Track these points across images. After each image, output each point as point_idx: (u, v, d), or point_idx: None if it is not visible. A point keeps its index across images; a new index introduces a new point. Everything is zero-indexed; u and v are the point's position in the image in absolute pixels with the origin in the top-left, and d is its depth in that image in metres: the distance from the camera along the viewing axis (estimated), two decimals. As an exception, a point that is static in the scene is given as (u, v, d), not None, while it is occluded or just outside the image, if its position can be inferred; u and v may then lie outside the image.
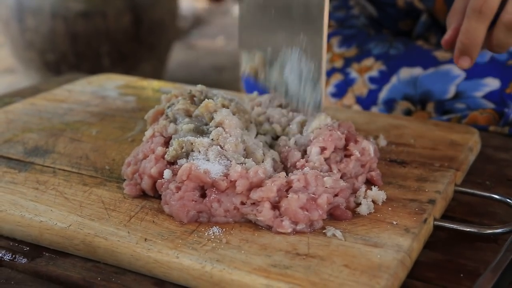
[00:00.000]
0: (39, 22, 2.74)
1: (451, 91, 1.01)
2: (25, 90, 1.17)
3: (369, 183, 0.73)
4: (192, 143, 0.70)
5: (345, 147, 0.73)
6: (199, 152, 0.70)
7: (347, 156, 0.72)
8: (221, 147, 0.70)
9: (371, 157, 0.73)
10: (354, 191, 0.70)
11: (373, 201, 0.68)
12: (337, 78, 1.12)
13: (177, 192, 0.66)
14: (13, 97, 1.11)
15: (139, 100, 1.05)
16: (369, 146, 0.73)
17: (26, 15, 2.76)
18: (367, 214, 0.67)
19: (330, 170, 0.71)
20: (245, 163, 0.68)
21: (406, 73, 1.06)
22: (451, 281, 0.60)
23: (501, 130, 0.95)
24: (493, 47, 0.80)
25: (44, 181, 0.75)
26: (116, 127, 0.93)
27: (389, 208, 0.67)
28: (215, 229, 0.64)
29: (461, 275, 0.61)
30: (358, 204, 0.68)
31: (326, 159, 0.71)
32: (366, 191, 0.70)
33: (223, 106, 0.76)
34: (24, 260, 0.65)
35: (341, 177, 0.70)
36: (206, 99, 0.76)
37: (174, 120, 0.76)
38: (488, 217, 0.71)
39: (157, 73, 3.13)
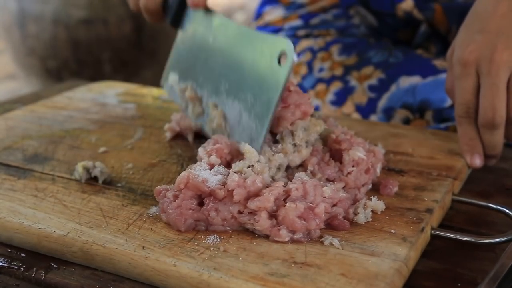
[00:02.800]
0: (40, 28, 2.74)
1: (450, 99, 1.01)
2: (26, 97, 1.17)
3: (371, 191, 0.74)
4: None
5: (340, 160, 0.73)
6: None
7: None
8: None
9: (366, 160, 0.73)
10: (355, 202, 0.70)
11: (372, 211, 0.69)
12: (336, 86, 1.12)
13: (175, 201, 0.66)
14: (14, 103, 1.11)
15: (139, 107, 1.06)
16: (357, 154, 0.73)
17: (28, 21, 2.76)
18: (365, 222, 0.67)
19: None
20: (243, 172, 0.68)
21: (405, 81, 1.06)
22: (448, 290, 0.60)
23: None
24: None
25: (43, 188, 0.75)
26: (115, 134, 0.93)
27: (387, 217, 0.67)
28: (213, 237, 0.64)
29: (459, 284, 0.61)
30: (357, 213, 0.68)
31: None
32: (366, 201, 0.70)
33: None
34: (22, 268, 0.65)
35: (343, 187, 0.71)
36: None
37: None
38: (486, 226, 0.71)
39: (158, 80, 3.11)
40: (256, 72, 0.75)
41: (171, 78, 0.90)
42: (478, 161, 0.80)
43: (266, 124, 0.72)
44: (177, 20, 0.90)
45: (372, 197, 0.70)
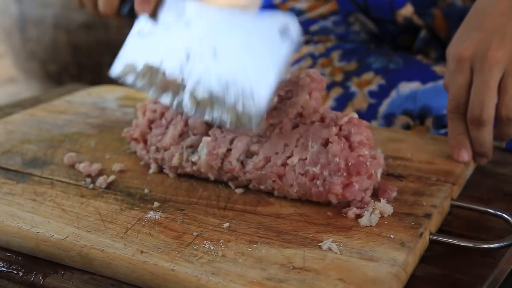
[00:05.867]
0: (41, 32, 2.75)
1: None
2: (26, 100, 1.17)
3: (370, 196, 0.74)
4: None
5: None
6: None
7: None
8: None
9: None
10: (363, 205, 0.70)
11: (381, 214, 0.69)
12: (337, 92, 1.12)
13: None
14: (13, 107, 1.11)
15: (139, 112, 1.05)
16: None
17: (29, 25, 2.77)
18: (365, 226, 0.67)
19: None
20: None
21: (405, 87, 1.06)
22: (447, 295, 0.60)
23: (499, 144, 0.95)
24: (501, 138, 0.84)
25: (41, 193, 0.75)
26: (114, 138, 0.93)
27: (385, 222, 0.67)
28: (211, 242, 0.64)
29: (457, 290, 0.61)
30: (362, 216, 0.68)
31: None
32: (374, 203, 0.70)
33: None
34: (21, 272, 0.65)
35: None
36: None
37: None
38: (485, 231, 0.71)
39: (159, 84, 3.13)
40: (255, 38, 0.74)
41: (127, 66, 0.85)
42: (465, 156, 0.81)
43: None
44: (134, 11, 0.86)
45: (381, 199, 0.70)
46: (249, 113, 0.70)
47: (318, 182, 0.69)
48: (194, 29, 0.79)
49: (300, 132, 0.73)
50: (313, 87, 0.77)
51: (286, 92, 0.78)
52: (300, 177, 0.70)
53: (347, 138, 0.71)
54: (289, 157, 0.72)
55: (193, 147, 0.78)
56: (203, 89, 0.75)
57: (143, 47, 0.84)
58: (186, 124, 0.80)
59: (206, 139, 0.76)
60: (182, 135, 0.80)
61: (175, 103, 0.78)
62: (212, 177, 0.77)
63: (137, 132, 0.84)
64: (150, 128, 0.83)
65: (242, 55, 0.74)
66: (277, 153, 0.72)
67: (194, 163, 0.77)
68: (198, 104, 0.76)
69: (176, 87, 0.78)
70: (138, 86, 0.82)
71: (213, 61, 0.75)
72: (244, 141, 0.74)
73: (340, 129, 0.72)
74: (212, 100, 0.74)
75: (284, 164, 0.72)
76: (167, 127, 0.81)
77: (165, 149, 0.80)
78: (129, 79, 0.83)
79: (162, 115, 0.83)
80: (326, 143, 0.71)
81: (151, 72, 0.81)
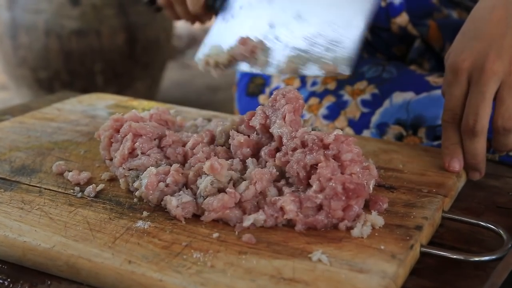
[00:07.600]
0: (32, 39, 2.73)
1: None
2: (16, 108, 1.16)
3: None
4: None
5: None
6: None
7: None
8: None
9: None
10: (356, 216, 0.69)
11: (372, 226, 0.68)
12: (329, 100, 1.12)
13: None
14: (3, 115, 1.10)
15: (129, 120, 1.05)
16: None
17: (20, 31, 2.75)
18: (355, 238, 0.66)
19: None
20: None
21: (398, 97, 1.06)
22: (438, 308, 0.60)
23: (491, 157, 0.95)
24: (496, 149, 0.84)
25: (29, 201, 0.74)
26: (104, 147, 0.92)
27: (376, 234, 0.67)
28: (200, 252, 0.63)
29: (448, 302, 0.60)
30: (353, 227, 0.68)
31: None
32: (366, 215, 0.69)
33: None
34: (6, 281, 0.64)
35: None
36: None
37: None
38: (476, 244, 0.71)
39: (151, 92, 3.12)
40: None
41: (213, 47, 0.89)
42: (456, 165, 0.82)
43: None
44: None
45: (372, 211, 0.70)
46: (340, 57, 0.72)
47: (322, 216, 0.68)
48: (277, 2, 0.84)
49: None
50: (288, 109, 0.75)
51: (266, 119, 0.77)
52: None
53: (336, 157, 0.70)
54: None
55: (137, 170, 0.78)
56: (290, 49, 0.80)
57: (227, 29, 0.90)
58: (134, 141, 0.80)
59: (151, 170, 0.74)
60: (132, 152, 0.80)
61: (261, 67, 0.83)
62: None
63: (106, 155, 0.85)
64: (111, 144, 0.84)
65: (327, 12, 0.78)
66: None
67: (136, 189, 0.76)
68: (287, 63, 0.80)
69: (262, 52, 0.83)
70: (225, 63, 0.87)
71: (297, 24, 0.80)
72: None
73: (327, 149, 0.71)
74: (299, 57, 0.78)
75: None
76: (121, 143, 0.81)
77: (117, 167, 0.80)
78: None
79: (117, 130, 0.84)
80: (311, 170, 0.70)
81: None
